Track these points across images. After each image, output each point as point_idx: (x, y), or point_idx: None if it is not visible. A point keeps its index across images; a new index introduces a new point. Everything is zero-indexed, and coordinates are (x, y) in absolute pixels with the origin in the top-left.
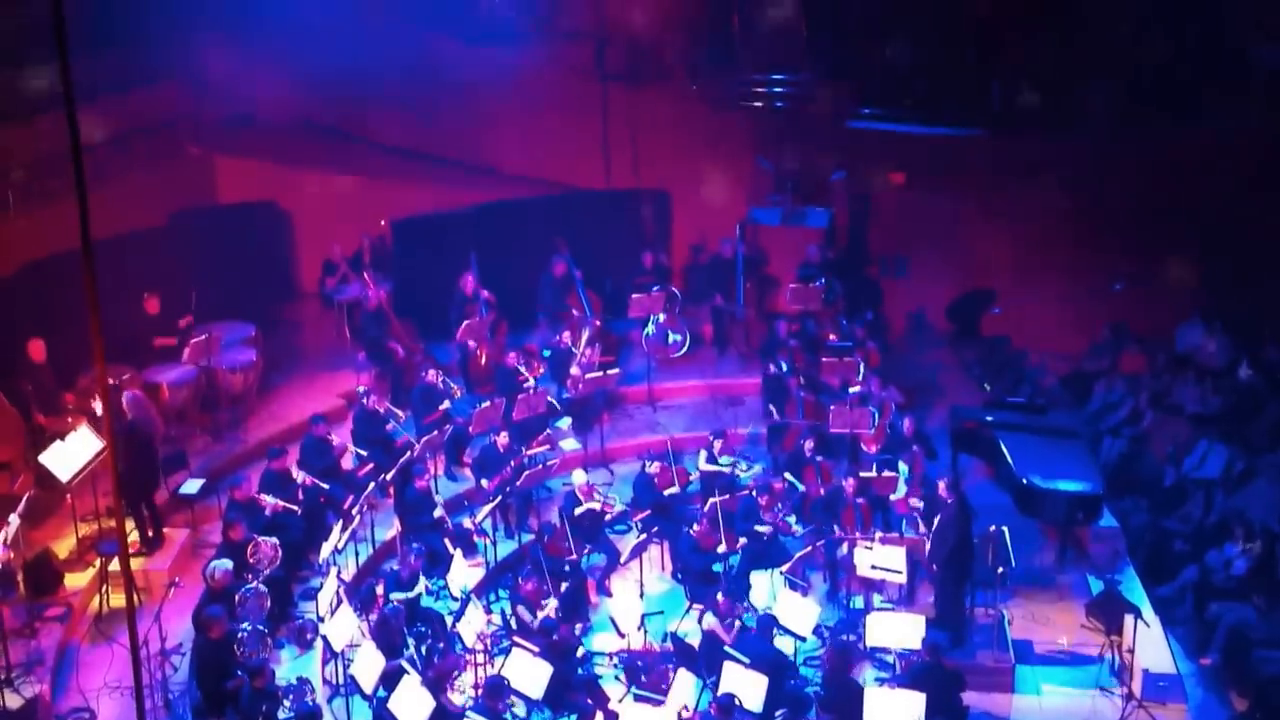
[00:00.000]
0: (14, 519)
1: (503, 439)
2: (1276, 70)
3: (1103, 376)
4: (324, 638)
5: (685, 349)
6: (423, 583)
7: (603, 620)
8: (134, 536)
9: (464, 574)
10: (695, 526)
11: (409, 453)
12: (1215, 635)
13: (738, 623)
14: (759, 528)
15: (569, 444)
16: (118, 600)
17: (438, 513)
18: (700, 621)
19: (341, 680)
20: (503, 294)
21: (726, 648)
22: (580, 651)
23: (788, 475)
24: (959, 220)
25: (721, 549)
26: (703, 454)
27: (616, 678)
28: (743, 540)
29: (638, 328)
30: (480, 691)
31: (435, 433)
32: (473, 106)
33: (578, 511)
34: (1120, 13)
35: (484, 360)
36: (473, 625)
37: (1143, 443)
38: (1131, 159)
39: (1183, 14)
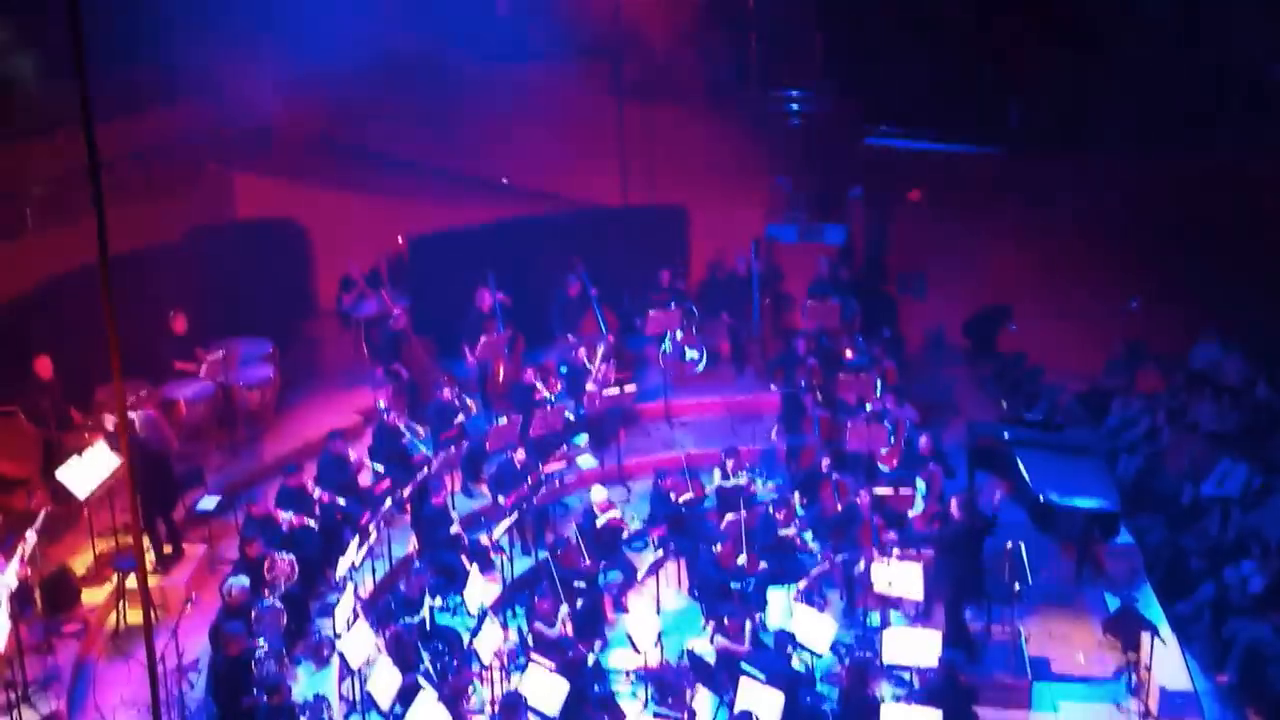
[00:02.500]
0: (31, 535)
1: (520, 455)
2: None
3: (1120, 394)
4: (341, 654)
5: (702, 366)
6: (428, 603)
7: (619, 637)
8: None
9: (481, 590)
10: (718, 545)
11: (426, 469)
12: (1232, 653)
13: (747, 632)
14: (781, 532)
15: (586, 460)
16: (135, 617)
17: (454, 529)
18: (711, 641)
19: (358, 697)
20: (520, 311)
21: (743, 664)
22: (595, 666)
23: (795, 498)
24: (976, 237)
25: (742, 561)
26: (716, 472)
27: (633, 694)
28: (764, 564)
29: (655, 344)
30: (496, 708)
31: (452, 449)
32: (490, 123)
33: (596, 525)
34: (1136, 32)
35: (501, 377)
36: (490, 642)
37: (1160, 460)
38: (1148, 177)
39: (1198, 34)
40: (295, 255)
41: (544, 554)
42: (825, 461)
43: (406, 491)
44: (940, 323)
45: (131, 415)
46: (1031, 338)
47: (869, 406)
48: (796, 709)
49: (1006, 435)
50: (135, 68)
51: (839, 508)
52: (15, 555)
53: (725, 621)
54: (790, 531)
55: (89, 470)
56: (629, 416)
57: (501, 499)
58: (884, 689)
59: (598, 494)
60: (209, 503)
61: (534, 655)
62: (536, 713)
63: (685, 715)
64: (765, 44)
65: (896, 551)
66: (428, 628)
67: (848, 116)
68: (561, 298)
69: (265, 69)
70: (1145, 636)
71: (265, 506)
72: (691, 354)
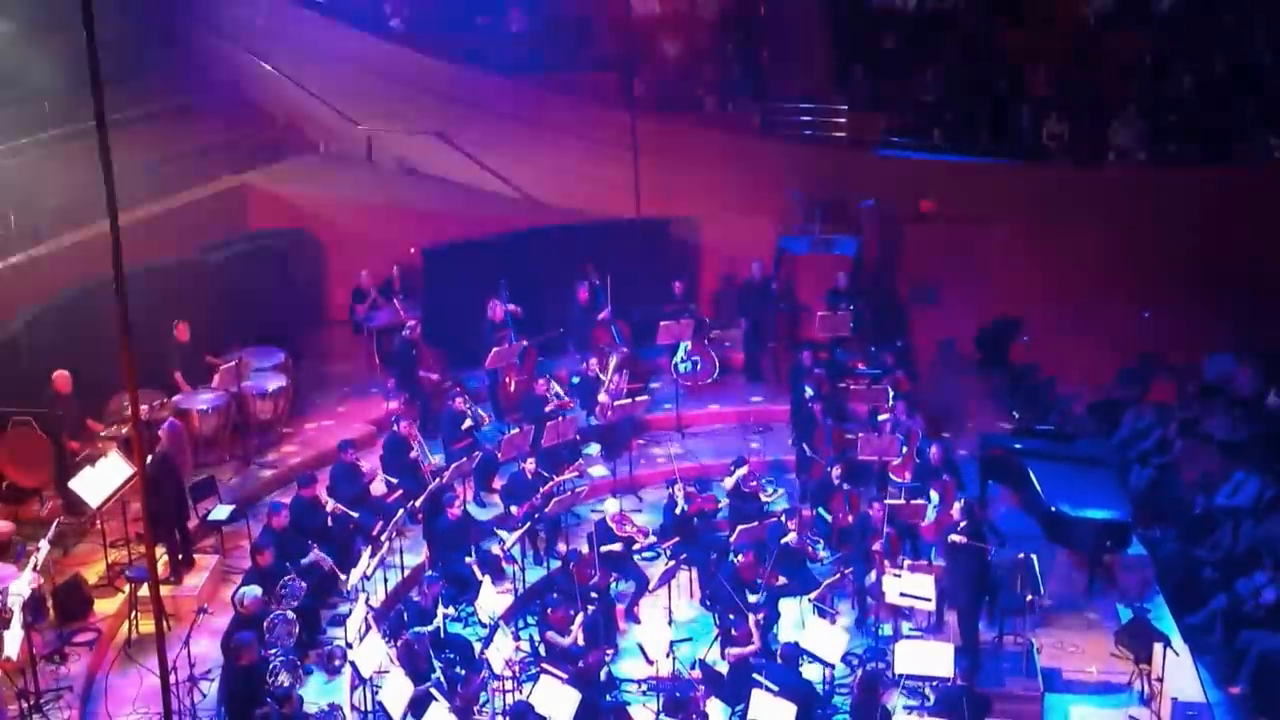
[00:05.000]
0: (44, 545)
1: (531, 466)
2: None
3: (1132, 405)
4: (352, 664)
5: (714, 376)
6: (441, 612)
7: (631, 647)
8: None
9: (492, 600)
10: (739, 557)
11: (438, 479)
12: (1245, 664)
13: (755, 637)
14: (785, 538)
15: (598, 471)
16: (147, 626)
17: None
18: (724, 656)
19: (370, 707)
20: (532, 322)
21: (756, 675)
22: (607, 676)
23: (820, 510)
24: (988, 248)
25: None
26: (727, 482)
27: (644, 704)
28: (783, 580)
29: (666, 355)
30: (507, 718)
31: (464, 459)
32: (504, 135)
33: (610, 537)
34: (1149, 44)
35: (513, 387)
36: (501, 652)
37: (1172, 471)
38: (1161, 188)
39: (1213, 45)
40: (308, 265)
41: (555, 564)
42: (836, 472)
43: (419, 502)
44: (952, 333)
45: (158, 424)
46: (1044, 348)
47: (881, 417)
48: None
49: (1018, 446)
50: (148, 78)
51: (850, 519)
52: (28, 564)
53: (733, 633)
54: (800, 544)
55: (102, 480)
56: (641, 427)
57: (513, 509)
58: (896, 700)
59: (611, 507)
60: (221, 512)
61: (545, 665)
62: None
63: None
64: (778, 55)
65: (908, 562)
66: (441, 636)
67: (860, 128)
68: (576, 308)
69: (279, 80)
70: (1157, 647)
71: (285, 519)
72: (703, 364)
